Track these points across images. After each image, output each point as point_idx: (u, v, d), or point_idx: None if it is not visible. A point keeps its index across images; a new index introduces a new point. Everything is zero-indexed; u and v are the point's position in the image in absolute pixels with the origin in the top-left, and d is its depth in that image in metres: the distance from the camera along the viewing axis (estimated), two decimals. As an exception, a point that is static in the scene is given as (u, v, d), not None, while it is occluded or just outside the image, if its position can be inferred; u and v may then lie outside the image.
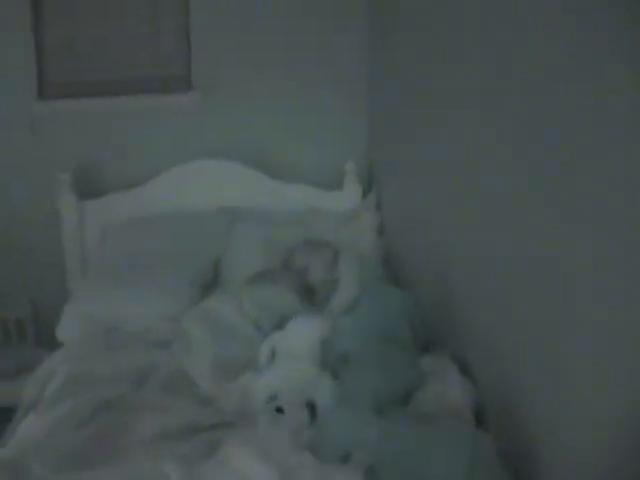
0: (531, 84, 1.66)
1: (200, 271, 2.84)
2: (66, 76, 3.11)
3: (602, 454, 1.44)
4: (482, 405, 2.03)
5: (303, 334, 2.19)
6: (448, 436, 1.77)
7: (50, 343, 2.63)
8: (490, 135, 1.92)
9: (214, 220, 3.04)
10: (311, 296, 2.62)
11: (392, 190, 3.00)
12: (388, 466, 1.78)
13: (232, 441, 1.82)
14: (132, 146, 3.14)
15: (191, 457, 1.85)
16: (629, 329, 1.32)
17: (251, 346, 2.32)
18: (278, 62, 3.13)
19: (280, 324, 2.34)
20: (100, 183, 3.14)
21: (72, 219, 3.05)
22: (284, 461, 1.72)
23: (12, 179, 3.10)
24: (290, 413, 1.98)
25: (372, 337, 2.26)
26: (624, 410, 1.36)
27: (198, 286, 2.76)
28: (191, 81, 3.12)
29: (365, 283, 2.58)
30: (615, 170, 1.32)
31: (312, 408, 2.01)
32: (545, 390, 1.68)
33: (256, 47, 3.11)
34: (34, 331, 3.13)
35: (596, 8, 1.35)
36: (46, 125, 3.06)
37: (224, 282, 2.85)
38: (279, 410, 1.99)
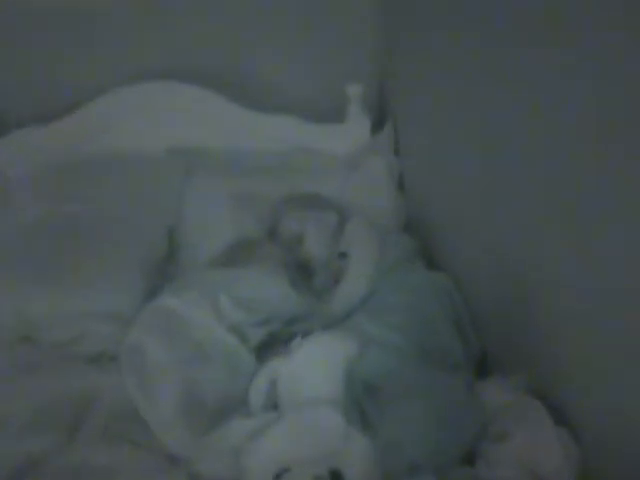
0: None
1: (150, 245, 2.47)
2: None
3: None
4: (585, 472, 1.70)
5: (319, 364, 1.86)
6: None
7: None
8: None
9: (164, 168, 2.72)
10: (308, 280, 2.35)
11: (416, 125, 2.65)
12: None
13: None
14: (45, 66, 2.75)
15: None
16: None
17: (236, 371, 1.99)
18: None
19: (270, 332, 2.08)
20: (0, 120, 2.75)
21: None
22: None
23: None
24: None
25: (410, 353, 1.98)
26: None
27: (149, 267, 2.40)
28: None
29: (386, 264, 2.28)
30: None
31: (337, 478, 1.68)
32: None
33: None
34: None
35: None
36: None
37: (183, 260, 2.53)
38: (291, 493, 1.66)
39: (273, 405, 1.88)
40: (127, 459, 1.83)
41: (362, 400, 1.83)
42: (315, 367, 1.86)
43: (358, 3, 2.83)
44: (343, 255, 2.32)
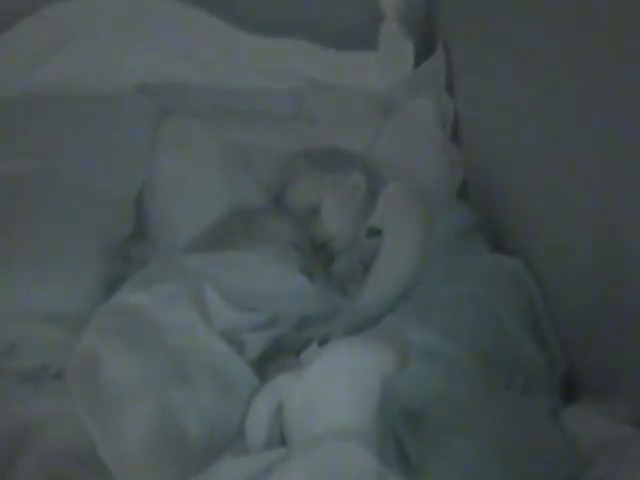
0: None
1: (110, 217, 2.48)
2: None
3: None
4: None
5: (342, 382, 1.84)
6: None
7: None
8: None
9: (132, 110, 2.75)
10: (326, 266, 2.42)
11: (478, 51, 2.65)
12: None
13: None
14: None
15: None
16: None
17: (229, 392, 1.99)
18: None
19: (275, 338, 2.09)
20: None
21: None
22: None
23: None
24: None
25: (467, 366, 1.98)
26: None
27: (108, 248, 2.41)
28: None
29: (434, 244, 2.33)
30: None
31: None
32: None
33: None
34: None
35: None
36: None
37: (155, 239, 2.59)
38: None
39: (279, 439, 1.87)
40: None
41: (400, 432, 1.83)
42: (337, 387, 1.84)
43: None
44: (375, 232, 2.36)
